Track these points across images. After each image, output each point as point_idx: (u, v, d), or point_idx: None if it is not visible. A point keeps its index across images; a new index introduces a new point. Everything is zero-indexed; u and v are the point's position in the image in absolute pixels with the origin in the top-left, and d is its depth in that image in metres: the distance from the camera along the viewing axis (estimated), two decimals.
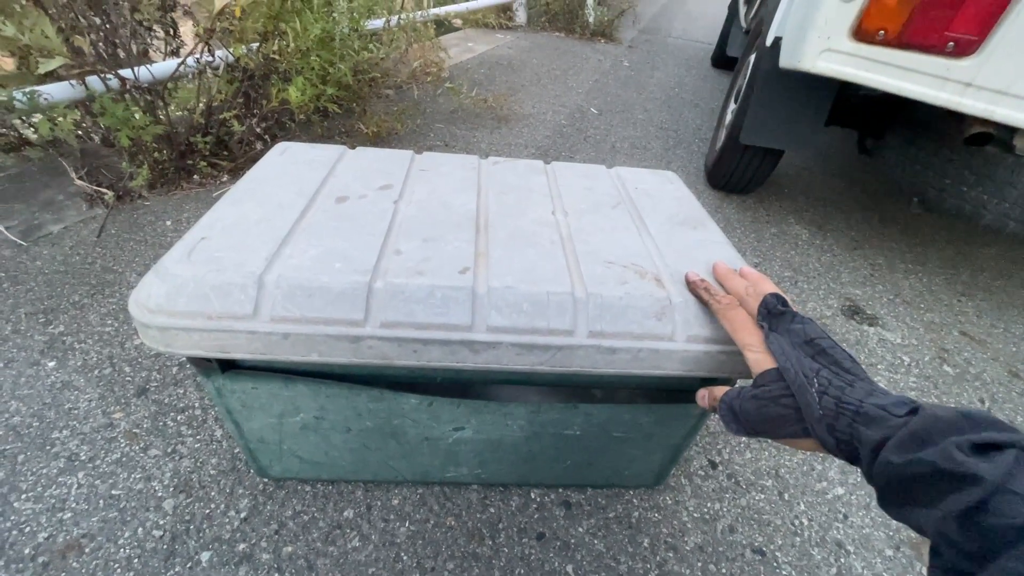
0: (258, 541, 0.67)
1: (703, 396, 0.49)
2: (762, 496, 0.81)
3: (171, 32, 1.57)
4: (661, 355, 0.51)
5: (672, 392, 0.58)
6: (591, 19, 4.02)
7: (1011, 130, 1.09)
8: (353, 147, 0.78)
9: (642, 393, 0.58)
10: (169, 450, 0.77)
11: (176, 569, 0.63)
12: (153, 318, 0.46)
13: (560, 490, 0.78)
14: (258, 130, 1.51)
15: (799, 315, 0.44)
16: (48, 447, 0.75)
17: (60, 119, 1.25)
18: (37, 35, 1.13)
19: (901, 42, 1.00)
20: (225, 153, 1.51)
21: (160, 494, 0.71)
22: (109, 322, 0.97)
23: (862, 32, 1.04)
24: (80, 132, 1.39)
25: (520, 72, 2.93)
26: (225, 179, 1.47)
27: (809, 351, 0.40)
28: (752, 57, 1.58)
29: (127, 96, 1.33)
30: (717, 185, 1.78)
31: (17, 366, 0.86)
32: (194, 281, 0.46)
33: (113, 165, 1.42)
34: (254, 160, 1.04)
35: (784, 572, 0.72)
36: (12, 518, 0.66)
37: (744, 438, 0.90)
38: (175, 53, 1.63)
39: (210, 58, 1.42)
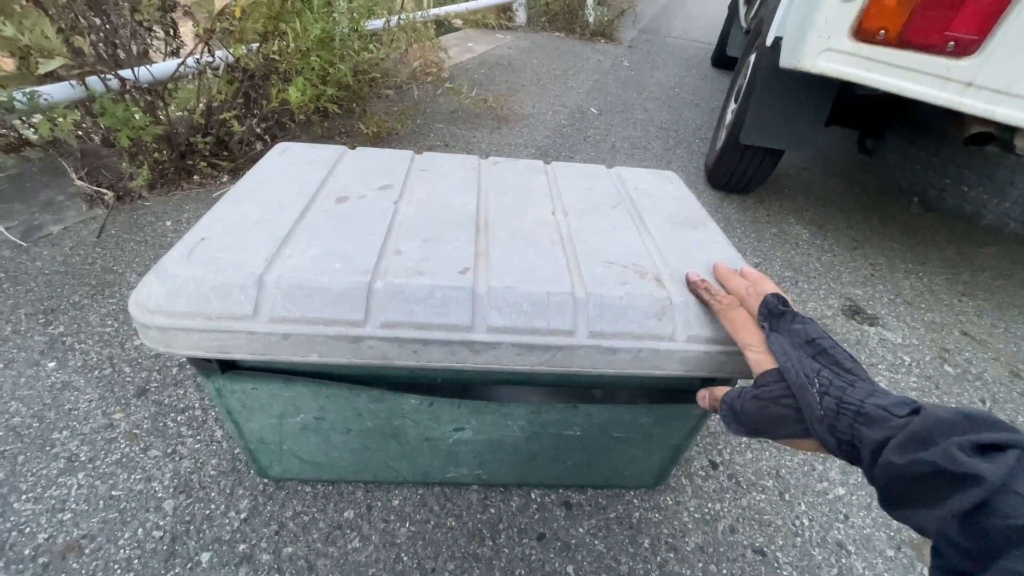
0: (258, 542, 0.67)
1: (703, 396, 0.49)
2: (763, 496, 0.81)
3: (171, 32, 1.57)
4: (661, 355, 0.50)
5: (672, 392, 0.58)
6: (591, 19, 4.02)
7: (1012, 130, 1.09)
8: (353, 147, 0.78)
9: (642, 393, 0.58)
10: (169, 451, 0.76)
11: (176, 570, 0.63)
12: (153, 318, 0.46)
13: (560, 490, 0.77)
14: (258, 130, 1.51)
15: (800, 315, 0.44)
16: (48, 448, 0.75)
17: (60, 119, 1.25)
18: (37, 35, 1.13)
19: (901, 42, 1.00)
20: (225, 153, 1.51)
21: (160, 495, 0.71)
22: (109, 323, 0.97)
23: (862, 32, 1.04)
24: (80, 132, 1.39)
25: (520, 72, 2.93)
26: (225, 179, 1.47)
27: (810, 351, 0.40)
28: (752, 57, 1.58)
29: (127, 96, 1.33)
30: (717, 185, 1.78)
31: (17, 367, 0.86)
32: (194, 281, 0.46)
33: (113, 165, 1.42)
34: (254, 160, 1.04)
35: (785, 573, 0.72)
36: (12, 519, 0.66)
37: (744, 438, 0.90)
38: (175, 53, 1.63)
39: (210, 58, 1.42)
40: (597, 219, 0.65)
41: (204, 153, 1.43)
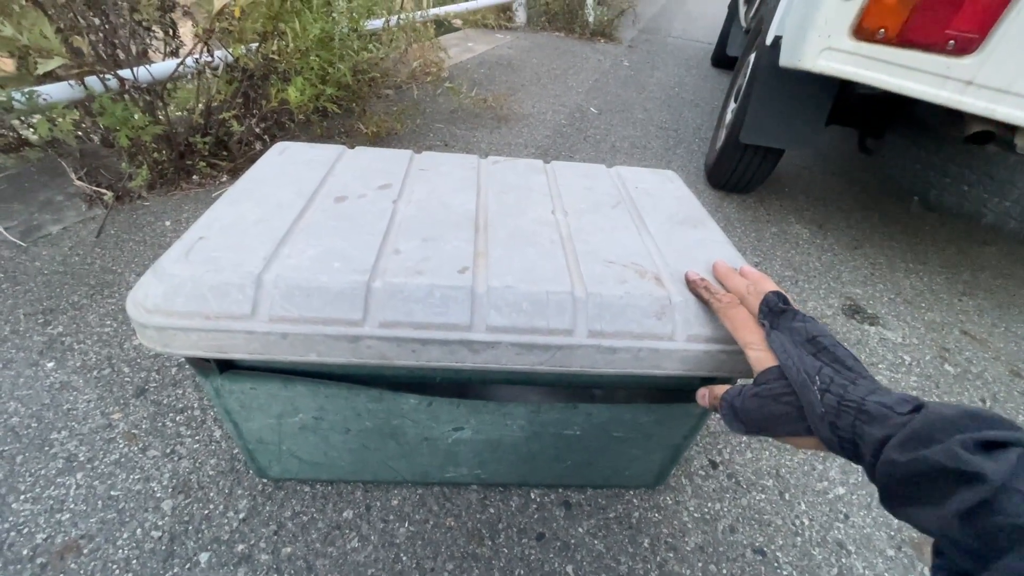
0: (257, 542, 0.67)
1: (703, 395, 0.49)
2: (763, 496, 0.81)
3: (170, 32, 1.57)
4: (661, 354, 0.50)
5: (672, 392, 0.58)
6: (591, 19, 4.02)
7: (1012, 129, 1.08)
8: (352, 147, 0.78)
9: (642, 393, 0.58)
10: (168, 451, 0.76)
11: (175, 570, 0.63)
12: (151, 318, 0.46)
13: (560, 490, 0.77)
14: (257, 130, 1.50)
15: (800, 313, 0.44)
16: (47, 448, 0.75)
17: (59, 119, 1.24)
18: (36, 35, 1.12)
19: (901, 40, 1.00)
20: (224, 153, 1.51)
21: (159, 495, 0.71)
22: (108, 323, 0.97)
23: (862, 30, 1.03)
24: (79, 132, 1.39)
25: (520, 72, 2.93)
26: (224, 179, 1.47)
27: (811, 349, 0.40)
28: (752, 56, 1.58)
29: (126, 96, 1.33)
30: (717, 184, 1.78)
31: (16, 367, 0.86)
32: (192, 281, 0.46)
33: (112, 165, 1.42)
34: (253, 160, 1.05)
35: (785, 572, 0.72)
36: (10, 519, 0.66)
37: (744, 438, 0.90)
38: (174, 53, 1.62)
39: (209, 58, 1.42)
40: (597, 218, 0.64)
41: (203, 153, 1.43)
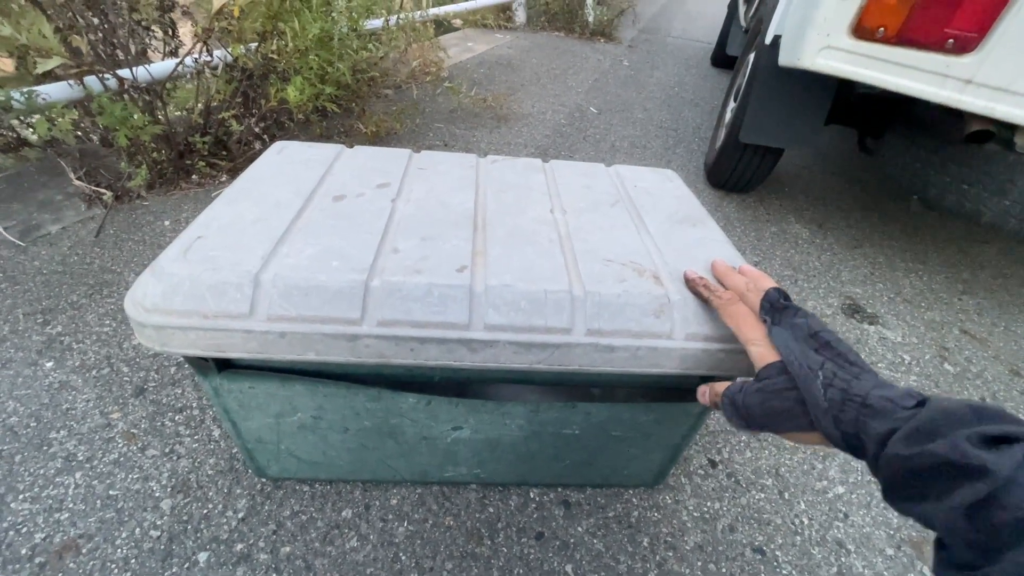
0: (256, 541, 0.67)
1: (703, 392, 0.49)
2: (762, 495, 0.81)
3: (169, 32, 1.57)
4: (660, 353, 0.50)
5: (671, 391, 0.58)
6: (591, 19, 4.02)
7: (1012, 127, 1.08)
8: (351, 146, 0.78)
9: (641, 392, 0.58)
10: (167, 450, 0.76)
11: (173, 569, 0.63)
12: (149, 317, 0.46)
13: (559, 489, 0.77)
14: (256, 130, 1.50)
15: (801, 310, 0.44)
16: (46, 447, 0.75)
17: (58, 119, 1.24)
18: (35, 35, 1.12)
19: (901, 39, 1.00)
20: (224, 153, 1.51)
21: (158, 494, 0.71)
22: (107, 322, 0.97)
23: (861, 29, 1.03)
24: (78, 132, 1.39)
25: (519, 72, 2.93)
26: (224, 179, 1.47)
27: (813, 344, 0.40)
28: (751, 56, 1.58)
29: (125, 96, 1.33)
30: (717, 184, 1.78)
31: (15, 366, 0.86)
32: (190, 280, 0.46)
33: (112, 165, 1.42)
34: (253, 160, 1.04)
35: (784, 571, 0.72)
36: (9, 519, 0.66)
37: (744, 437, 0.90)
38: (174, 53, 1.62)
39: (208, 58, 1.42)
40: (596, 217, 0.64)
41: (203, 153, 1.43)
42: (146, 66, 1.37)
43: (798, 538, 0.76)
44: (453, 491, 0.75)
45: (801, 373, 0.38)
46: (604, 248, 0.57)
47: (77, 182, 1.30)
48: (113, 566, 0.63)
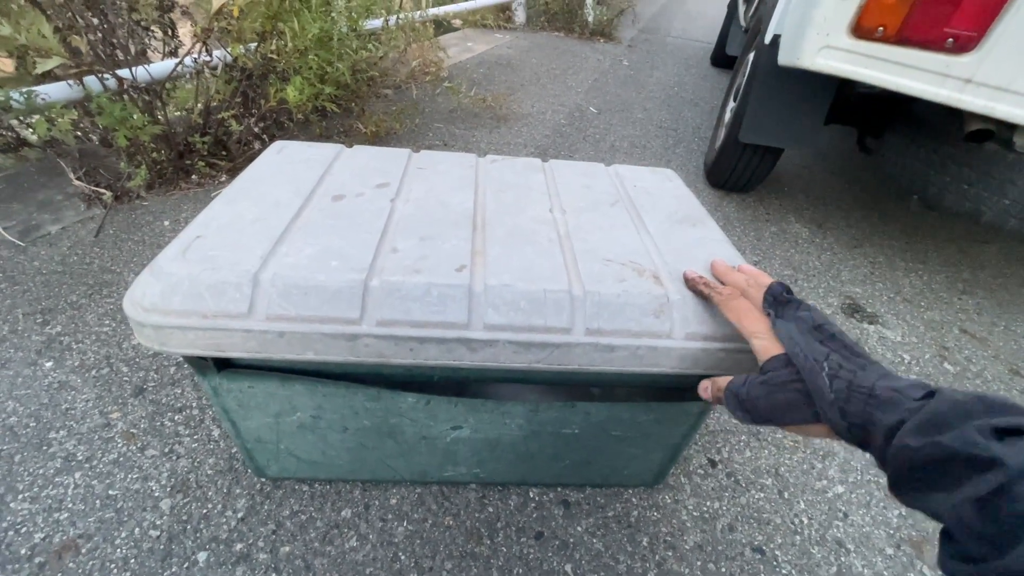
0: (255, 541, 0.67)
1: (705, 388, 0.48)
2: (762, 495, 0.81)
3: (169, 32, 1.57)
4: (659, 352, 0.50)
5: (671, 390, 0.58)
6: (590, 19, 4.02)
7: (1011, 127, 1.08)
8: (351, 146, 0.78)
9: (641, 391, 0.58)
10: (166, 450, 0.76)
11: (173, 569, 0.63)
12: (148, 317, 0.46)
13: (559, 489, 0.77)
14: (256, 130, 1.50)
15: (804, 303, 0.43)
16: (45, 447, 0.75)
17: (58, 119, 1.24)
18: (34, 35, 1.12)
19: (900, 38, 1.00)
20: (223, 153, 1.51)
21: (157, 494, 0.71)
22: (107, 322, 0.97)
23: (861, 29, 1.03)
24: (78, 132, 1.39)
25: (519, 72, 2.93)
26: (223, 179, 1.47)
27: (818, 336, 0.39)
28: (751, 55, 1.58)
29: (125, 96, 1.33)
30: (717, 183, 1.78)
31: (14, 366, 0.86)
32: (189, 280, 0.46)
33: (111, 165, 1.42)
34: (252, 160, 1.04)
35: (784, 571, 0.72)
36: (8, 519, 0.66)
37: (744, 437, 0.90)
38: (173, 53, 1.62)
39: (208, 58, 1.42)
40: (595, 217, 0.64)
41: (202, 153, 1.43)
42: (145, 66, 1.37)
43: (798, 537, 0.76)
44: (452, 491, 0.75)
45: (806, 365, 0.38)
46: (604, 248, 0.57)
47: (77, 182, 1.30)
48: (112, 566, 0.63)
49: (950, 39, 0.93)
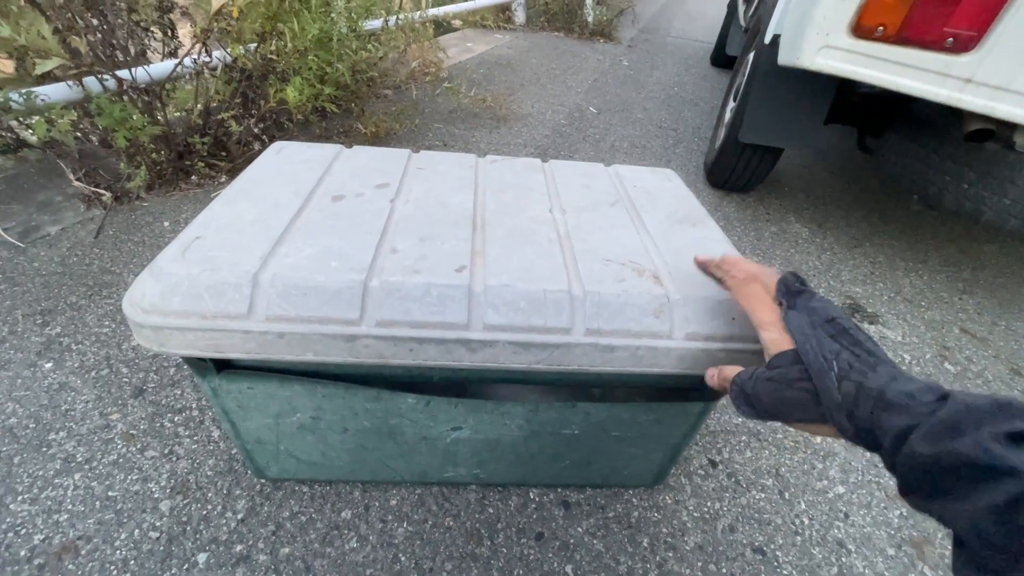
0: (255, 542, 0.67)
1: (712, 375, 0.47)
2: (762, 495, 0.81)
3: (168, 33, 1.57)
4: (659, 353, 0.50)
5: (671, 391, 0.58)
6: (590, 19, 4.02)
7: (1011, 126, 1.08)
8: (350, 146, 0.78)
9: (641, 392, 0.58)
10: (166, 451, 0.76)
11: (173, 571, 0.63)
12: (147, 318, 0.46)
13: (559, 490, 0.77)
14: (256, 130, 1.50)
15: (817, 294, 0.42)
16: (45, 449, 0.75)
17: (57, 120, 1.24)
18: (33, 36, 1.12)
19: (900, 38, 1.00)
20: (223, 154, 1.51)
21: (157, 495, 0.71)
22: (106, 323, 0.97)
23: (861, 28, 1.03)
24: (78, 133, 1.39)
25: (519, 72, 2.93)
26: (223, 180, 1.47)
27: (830, 330, 0.38)
28: (751, 55, 1.58)
29: (124, 97, 1.33)
30: (717, 183, 1.78)
31: (14, 367, 0.86)
32: (188, 280, 0.46)
33: (111, 166, 1.41)
34: (252, 160, 1.04)
35: (785, 572, 0.71)
36: (8, 520, 0.66)
37: (744, 437, 0.90)
38: (173, 54, 1.62)
39: (208, 59, 1.42)
40: (595, 217, 0.64)
41: (202, 153, 1.43)
42: (145, 67, 1.37)
43: (798, 538, 0.76)
44: (453, 492, 0.75)
45: (815, 363, 0.36)
46: (603, 248, 0.57)
47: (76, 183, 1.30)
48: (112, 567, 0.63)
49: (950, 39, 0.93)
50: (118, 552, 0.64)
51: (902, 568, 0.74)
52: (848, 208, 1.80)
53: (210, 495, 0.71)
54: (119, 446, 0.76)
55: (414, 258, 0.52)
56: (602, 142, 2.09)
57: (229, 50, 1.42)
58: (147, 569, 0.63)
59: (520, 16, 4.13)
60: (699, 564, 0.71)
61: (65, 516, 0.67)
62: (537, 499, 0.76)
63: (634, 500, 0.77)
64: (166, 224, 1.27)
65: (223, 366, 0.52)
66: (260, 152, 1.20)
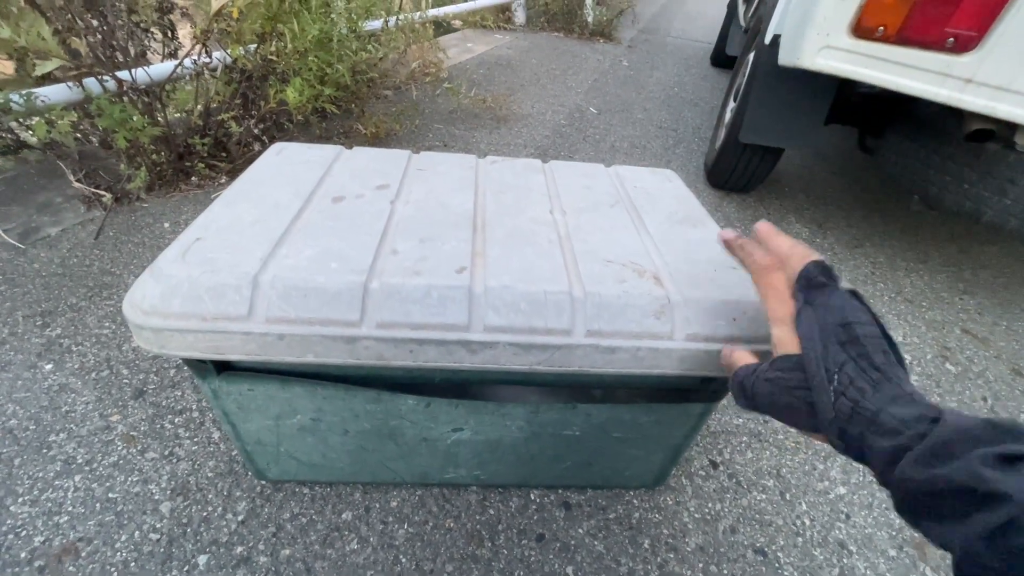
0: (256, 544, 0.66)
1: (727, 355, 0.46)
2: (763, 496, 0.81)
3: (168, 34, 1.57)
4: (660, 354, 0.50)
5: (672, 391, 0.58)
6: (590, 19, 4.02)
7: (1012, 127, 1.08)
8: (351, 147, 0.78)
9: (642, 393, 0.58)
10: (166, 453, 0.76)
11: (173, 573, 0.63)
12: (147, 320, 0.46)
13: (560, 491, 0.77)
14: (256, 131, 1.50)
15: (839, 291, 0.39)
16: (45, 450, 0.75)
17: (57, 121, 1.24)
18: (33, 37, 1.12)
19: (900, 38, 1.00)
20: (223, 155, 1.51)
21: (157, 497, 0.71)
22: (107, 324, 0.97)
23: (861, 29, 1.03)
24: (78, 134, 1.39)
25: (519, 72, 2.93)
26: (223, 181, 1.47)
27: (841, 336, 0.36)
28: (751, 55, 1.58)
29: (124, 98, 1.33)
30: (717, 184, 1.78)
31: (14, 369, 0.86)
32: (188, 282, 0.46)
33: (111, 167, 1.41)
34: (252, 161, 1.04)
35: (786, 573, 0.71)
36: (8, 522, 0.66)
37: (745, 438, 0.90)
38: (173, 55, 1.62)
39: (208, 59, 1.42)
40: (595, 218, 0.64)
41: (202, 154, 1.43)
42: (145, 68, 1.37)
43: (800, 539, 0.76)
44: (453, 493, 0.75)
45: (816, 375, 0.36)
46: (604, 249, 0.57)
47: (76, 184, 1.30)
48: (112, 569, 0.62)
49: (951, 39, 0.93)
50: (118, 554, 0.64)
51: (904, 569, 0.74)
52: (848, 208, 1.80)
53: (210, 497, 0.71)
54: (119, 448, 0.76)
55: (414, 259, 0.52)
56: (602, 142, 2.09)
57: (229, 51, 1.42)
58: (147, 571, 0.63)
59: (520, 16, 4.13)
60: (700, 565, 0.71)
61: (65, 518, 0.67)
62: (538, 500, 0.75)
63: (635, 501, 0.77)
64: (166, 225, 1.27)
65: (223, 368, 0.52)
66: (260, 153, 1.20)
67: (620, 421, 0.64)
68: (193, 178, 1.44)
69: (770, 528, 0.77)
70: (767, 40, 1.33)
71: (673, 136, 2.26)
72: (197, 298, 0.46)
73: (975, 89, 0.94)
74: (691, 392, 0.58)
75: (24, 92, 1.19)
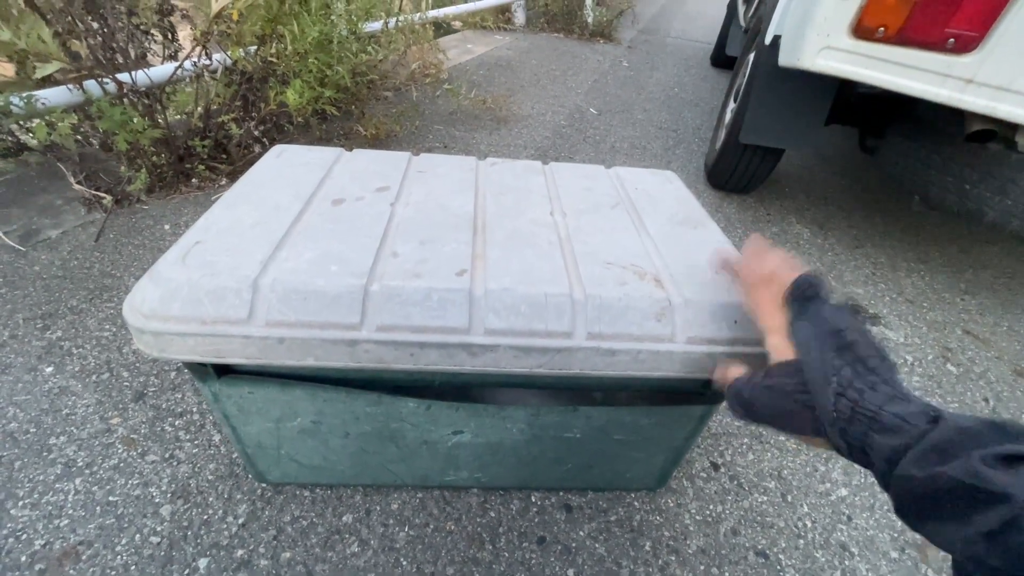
0: (256, 547, 0.66)
1: (719, 373, 0.47)
2: (765, 498, 0.81)
3: (169, 36, 1.57)
4: (661, 356, 0.50)
5: (673, 394, 0.57)
6: (590, 20, 4.02)
7: (1013, 127, 1.08)
8: (351, 149, 0.78)
9: (642, 395, 0.57)
10: (167, 455, 0.76)
11: None
12: (147, 323, 0.45)
13: (561, 493, 0.77)
14: (256, 133, 1.50)
15: (828, 302, 0.41)
16: (45, 453, 0.75)
17: (58, 124, 1.24)
18: (34, 40, 1.12)
19: (901, 39, 0.99)
20: (223, 156, 1.51)
21: (158, 500, 0.70)
22: (107, 327, 0.97)
23: (862, 29, 1.03)
24: (78, 137, 1.39)
25: (519, 73, 2.93)
26: (223, 182, 1.47)
27: (834, 343, 0.38)
28: (751, 56, 1.58)
29: (125, 100, 1.33)
30: (717, 184, 1.77)
31: (15, 372, 0.86)
32: (188, 285, 0.46)
33: (112, 169, 1.42)
34: (252, 163, 1.04)
35: (788, 575, 0.71)
36: (9, 525, 0.66)
37: (745, 439, 0.89)
38: (173, 57, 1.62)
39: (208, 61, 1.42)
40: (596, 219, 0.64)
41: (202, 156, 1.43)
42: (145, 70, 1.37)
43: (801, 541, 0.75)
44: (454, 495, 0.75)
45: (815, 378, 0.36)
46: (604, 251, 0.57)
47: (77, 186, 1.30)
48: (113, 573, 0.62)
49: (951, 39, 0.93)
50: (119, 557, 0.64)
51: (905, 571, 0.73)
52: (849, 209, 1.80)
53: (211, 500, 0.71)
54: (120, 450, 0.76)
55: (414, 262, 0.51)
56: (602, 143, 2.09)
57: (229, 53, 1.43)
58: (148, 574, 0.63)
59: (520, 17, 4.13)
60: (702, 567, 0.70)
61: (66, 521, 0.67)
62: (539, 503, 0.75)
63: (636, 503, 0.77)
64: (167, 227, 1.27)
65: (224, 371, 0.52)
66: (260, 155, 1.19)
67: (621, 423, 0.63)
68: (193, 180, 1.44)
69: (772, 530, 0.76)
70: (767, 40, 1.33)
71: (673, 137, 2.26)
72: (197, 301, 0.46)
73: (976, 89, 0.93)
74: (692, 394, 0.57)
75: (24, 95, 1.19)
